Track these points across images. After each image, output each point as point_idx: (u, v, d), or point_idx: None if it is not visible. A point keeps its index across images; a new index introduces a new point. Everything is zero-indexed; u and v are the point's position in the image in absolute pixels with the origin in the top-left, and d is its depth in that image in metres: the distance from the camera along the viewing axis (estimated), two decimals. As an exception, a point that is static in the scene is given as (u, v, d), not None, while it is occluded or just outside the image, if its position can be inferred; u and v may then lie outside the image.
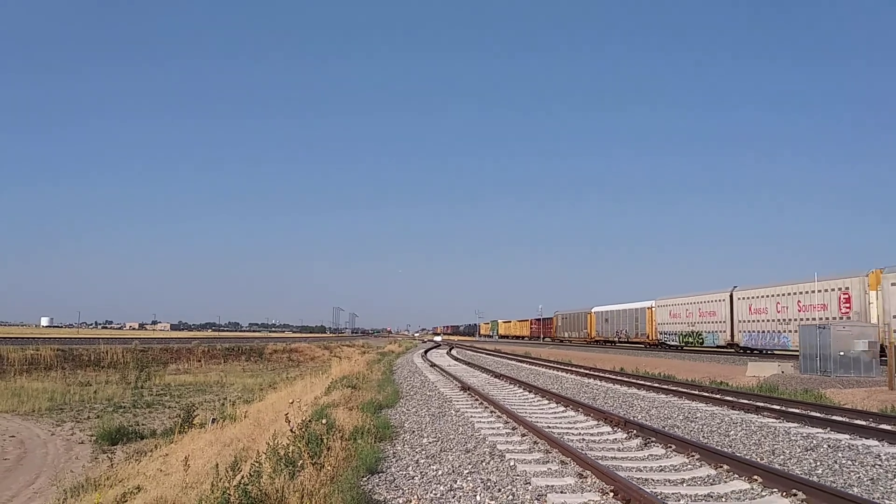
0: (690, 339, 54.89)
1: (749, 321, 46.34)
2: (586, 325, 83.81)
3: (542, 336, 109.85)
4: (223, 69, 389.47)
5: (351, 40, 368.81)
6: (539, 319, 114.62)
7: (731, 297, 48.90)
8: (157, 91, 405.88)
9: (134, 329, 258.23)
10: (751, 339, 45.99)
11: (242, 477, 6.88)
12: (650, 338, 63.76)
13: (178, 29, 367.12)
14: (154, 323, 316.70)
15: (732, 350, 48.28)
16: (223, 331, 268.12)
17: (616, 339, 73.16)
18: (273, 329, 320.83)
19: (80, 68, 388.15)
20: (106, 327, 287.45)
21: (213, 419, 22.69)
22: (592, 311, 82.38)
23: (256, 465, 7.28)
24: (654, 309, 63.39)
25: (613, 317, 74.59)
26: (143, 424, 26.26)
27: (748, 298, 46.44)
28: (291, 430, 9.22)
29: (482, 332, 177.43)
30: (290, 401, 12.76)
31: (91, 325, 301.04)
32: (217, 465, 6.94)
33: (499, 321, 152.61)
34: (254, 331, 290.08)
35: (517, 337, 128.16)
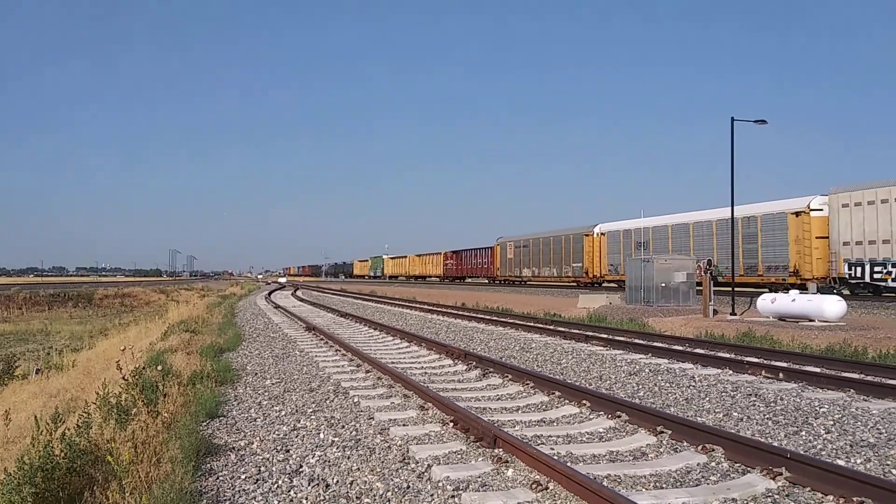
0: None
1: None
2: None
3: (466, 276, 75.43)
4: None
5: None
6: (457, 253, 77.82)
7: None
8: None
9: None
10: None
11: (67, 428, 6.51)
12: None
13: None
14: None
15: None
16: (47, 276, 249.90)
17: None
18: (103, 273, 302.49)
19: None
20: None
21: (38, 369, 21.24)
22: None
23: (85, 415, 6.90)
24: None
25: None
26: (-45, 379, 24.17)
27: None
28: (124, 378, 8.80)
29: (356, 271, 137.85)
30: (122, 347, 12.15)
31: None
32: (36, 417, 6.50)
33: (384, 257, 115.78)
34: (82, 275, 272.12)
35: (417, 278, 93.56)
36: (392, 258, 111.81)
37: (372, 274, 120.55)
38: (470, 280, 75.13)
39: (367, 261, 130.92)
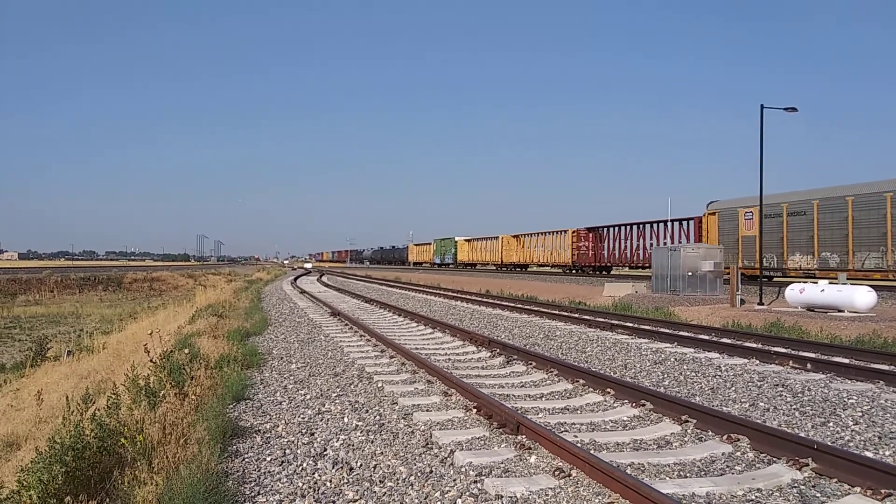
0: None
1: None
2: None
3: (620, 265, 47.03)
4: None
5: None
6: (598, 231, 49.51)
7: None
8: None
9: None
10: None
11: (97, 409, 6.62)
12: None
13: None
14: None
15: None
16: (78, 260, 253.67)
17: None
18: (132, 258, 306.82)
19: None
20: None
21: (69, 351, 21.63)
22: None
23: (114, 396, 7.01)
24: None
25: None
26: (-11, 359, 24.68)
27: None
28: (152, 361, 8.93)
29: (413, 257, 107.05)
30: (150, 331, 12.32)
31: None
32: (67, 397, 6.62)
33: (457, 239, 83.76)
34: (111, 259, 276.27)
35: (517, 267, 64.34)
36: (469, 240, 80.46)
37: (438, 261, 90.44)
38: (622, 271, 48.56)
39: (428, 244, 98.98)
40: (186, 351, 10.99)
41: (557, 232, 55.42)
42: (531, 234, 61.71)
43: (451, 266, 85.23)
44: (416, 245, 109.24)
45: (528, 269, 62.40)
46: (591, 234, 50.28)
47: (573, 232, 52.30)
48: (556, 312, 21.70)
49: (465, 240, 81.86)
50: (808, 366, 11.44)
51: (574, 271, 52.26)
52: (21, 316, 39.55)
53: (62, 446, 5.57)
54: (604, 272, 49.05)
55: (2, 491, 5.13)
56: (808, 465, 6.04)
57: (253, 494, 5.57)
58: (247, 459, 6.51)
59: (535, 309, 23.15)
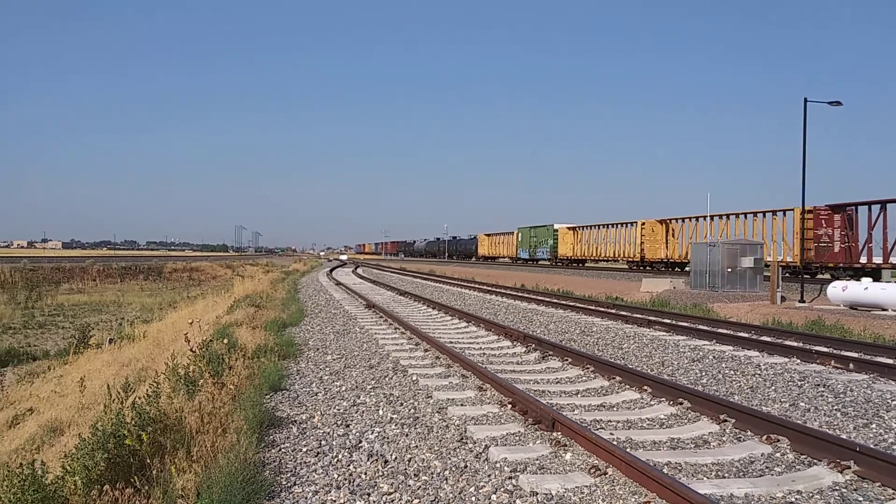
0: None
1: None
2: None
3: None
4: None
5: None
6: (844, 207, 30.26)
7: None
8: None
9: (22, 247, 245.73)
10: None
11: (137, 397, 6.74)
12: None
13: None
14: (44, 241, 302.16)
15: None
16: (119, 249, 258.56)
17: None
18: (172, 248, 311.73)
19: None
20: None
21: (111, 339, 22.09)
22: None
23: (154, 385, 7.14)
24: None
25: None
26: (35, 346, 25.28)
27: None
28: (192, 350, 9.06)
29: (485, 251, 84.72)
30: (190, 321, 12.51)
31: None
32: (108, 385, 6.75)
33: (556, 227, 62.21)
34: (152, 249, 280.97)
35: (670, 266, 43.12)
36: (573, 228, 58.80)
37: (526, 256, 68.23)
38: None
39: (507, 234, 76.09)
40: (225, 341, 11.15)
41: (768, 211, 34.23)
42: (692, 218, 41.24)
43: (547, 262, 62.78)
44: (489, 235, 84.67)
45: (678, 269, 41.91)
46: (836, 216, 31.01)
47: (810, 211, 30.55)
48: (593, 308, 21.55)
49: (569, 228, 59.32)
50: (851, 366, 11.20)
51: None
52: (64, 304, 40.45)
53: (104, 433, 5.69)
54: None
55: (47, 476, 5.24)
56: (849, 467, 5.91)
57: (289, 485, 5.62)
58: (283, 450, 6.58)
59: (571, 304, 23.03)
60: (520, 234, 70.83)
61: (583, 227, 57.06)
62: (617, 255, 50.29)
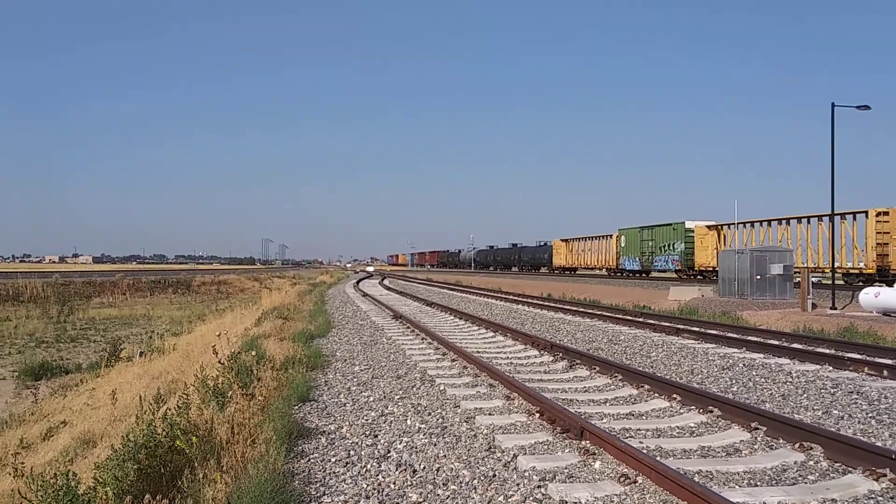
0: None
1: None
2: None
3: None
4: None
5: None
6: None
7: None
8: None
9: (54, 262, 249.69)
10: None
11: (168, 409, 6.82)
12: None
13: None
14: (75, 256, 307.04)
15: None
16: (148, 263, 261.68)
17: None
18: (200, 261, 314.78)
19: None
20: (24, 261, 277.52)
21: (141, 352, 22.33)
22: None
23: (184, 396, 7.22)
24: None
25: None
26: (67, 359, 25.65)
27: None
28: (220, 362, 9.15)
29: (563, 261, 65.62)
30: (218, 333, 12.63)
31: (7, 258, 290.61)
32: (140, 397, 6.83)
33: (695, 224, 43.79)
34: (180, 263, 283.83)
35: None
36: (715, 227, 42.35)
37: (635, 267, 51.73)
38: None
39: (603, 238, 58.39)
40: (253, 353, 11.25)
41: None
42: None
43: (679, 273, 46.28)
44: (566, 241, 66.29)
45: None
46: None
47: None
48: (620, 317, 21.41)
49: (708, 226, 43.02)
50: (885, 373, 11.00)
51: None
52: (95, 318, 41.00)
53: (135, 444, 5.76)
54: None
55: (79, 487, 5.32)
56: (885, 475, 5.81)
57: (318, 495, 5.64)
58: (312, 460, 6.60)
59: (598, 313, 22.89)
60: (623, 238, 53.88)
61: (726, 224, 41.29)
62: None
